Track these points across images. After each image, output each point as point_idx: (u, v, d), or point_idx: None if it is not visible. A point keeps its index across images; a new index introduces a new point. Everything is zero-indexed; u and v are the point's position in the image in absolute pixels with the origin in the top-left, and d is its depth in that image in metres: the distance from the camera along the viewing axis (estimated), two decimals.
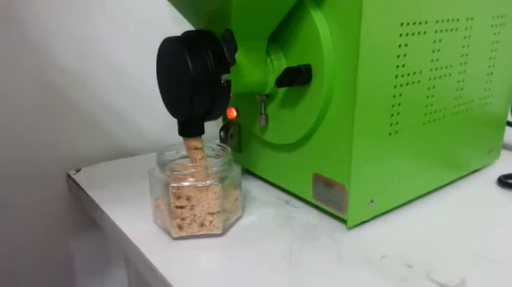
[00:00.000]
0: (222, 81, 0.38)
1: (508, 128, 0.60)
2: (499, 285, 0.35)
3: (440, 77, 0.45)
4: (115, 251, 0.68)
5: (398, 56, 0.40)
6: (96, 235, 0.65)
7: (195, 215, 0.41)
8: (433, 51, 0.43)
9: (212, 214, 0.41)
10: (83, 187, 0.53)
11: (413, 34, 0.41)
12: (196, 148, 0.42)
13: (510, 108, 0.59)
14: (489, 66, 0.52)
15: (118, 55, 0.62)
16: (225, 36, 0.36)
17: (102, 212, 0.47)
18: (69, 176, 0.57)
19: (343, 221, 0.44)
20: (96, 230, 0.65)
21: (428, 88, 0.45)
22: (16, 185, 0.57)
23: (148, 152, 0.66)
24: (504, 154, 0.61)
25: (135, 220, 0.45)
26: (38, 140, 0.58)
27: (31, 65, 0.55)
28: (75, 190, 0.55)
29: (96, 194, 0.51)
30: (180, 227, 0.41)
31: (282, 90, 0.45)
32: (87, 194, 0.51)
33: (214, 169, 0.41)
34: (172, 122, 0.42)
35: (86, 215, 0.62)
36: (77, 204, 0.61)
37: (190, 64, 0.36)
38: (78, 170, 0.58)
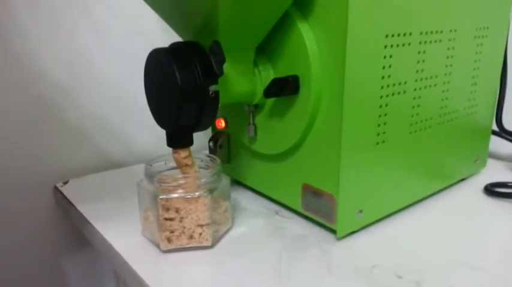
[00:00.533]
0: (210, 92, 0.38)
1: (493, 137, 0.61)
2: None
3: (425, 87, 0.46)
4: (104, 264, 0.67)
5: (384, 67, 0.41)
6: (85, 248, 0.64)
7: (184, 227, 0.40)
8: (418, 62, 0.44)
9: (202, 226, 0.41)
10: (70, 199, 0.52)
11: (398, 45, 0.41)
12: (187, 165, 0.42)
13: (495, 118, 0.60)
14: (473, 77, 0.53)
15: (106, 66, 0.62)
16: (213, 48, 0.36)
17: (90, 224, 0.46)
18: (56, 188, 0.56)
19: (333, 231, 0.44)
20: (84, 243, 0.64)
21: (414, 98, 0.45)
22: (2, 197, 0.56)
23: (136, 163, 0.66)
24: (490, 162, 0.62)
25: (123, 232, 0.44)
26: (25, 152, 0.57)
27: (19, 77, 0.55)
28: (63, 202, 0.54)
29: (83, 207, 0.50)
30: (169, 240, 0.40)
31: (270, 101, 0.46)
32: (75, 207, 0.50)
33: (203, 180, 0.41)
34: (161, 133, 0.41)
35: (73, 228, 0.62)
36: (64, 216, 0.60)
37: (178, 75, 0.36)
38: (65, 182, 0.57)
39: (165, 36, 0.51)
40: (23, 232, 0.58)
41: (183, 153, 0.41)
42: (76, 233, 0.62)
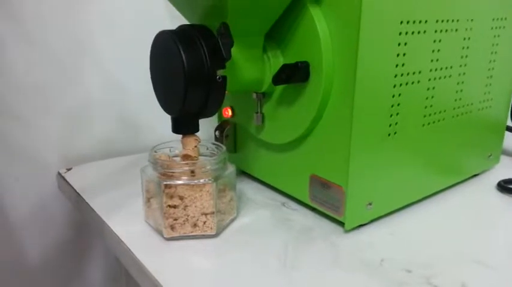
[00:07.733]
0: (218, 77, 0.37)
1: (507, 133, 0.59)
2: None
3: (440, 78, 0.45)
4: (106, 251, 0.66)
5: (398, 55, 0.39)
6: (87, 234, 0.64)
7: (188, 215, 0.39)
8: (433, 51, 0.43)
9: (206, 214, 0.40)
10: (74, 185, 0.52)
11: (412, 33, 0.40)
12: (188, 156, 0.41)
13: (510, 113, 0.58)
14: (489, 69, 0.51)
15: (111, 51, 0.61)
16: (221, 30, 0.35)
17: (92, 211, 0.46)
18: (59, 174, 0.56)
19: (341, 223, 0.42)
20: (86, 229, 0.63)
21: (428, 89, 0.44)
22: (6, 184, 0.55)
23: (141, 152, 0.65)
24: (503, 159, 0.60)
25: (126, 219, 0.43)
26: (28, 138, 0.56)
27: (19, 62, 0.54)
28: (66, 188, 0.54)
29: (86, 193, 0.49)
30: (172, 228, 0.40)
31: (278, 89, 0.44)
32: (78, 193, 0.50)
33: (208, 167, 0.40)
34: (167, 121, 0.40)
35: (75, 215, 0.61)
36: (67, 203, 0.60)
37: (184, 58, 0.35)
38: (68, 169, 0.57)
39: (172, 20, 0.50)
40: (25, 219, 0.58)
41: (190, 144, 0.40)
42: (78, 220, 0.62)
